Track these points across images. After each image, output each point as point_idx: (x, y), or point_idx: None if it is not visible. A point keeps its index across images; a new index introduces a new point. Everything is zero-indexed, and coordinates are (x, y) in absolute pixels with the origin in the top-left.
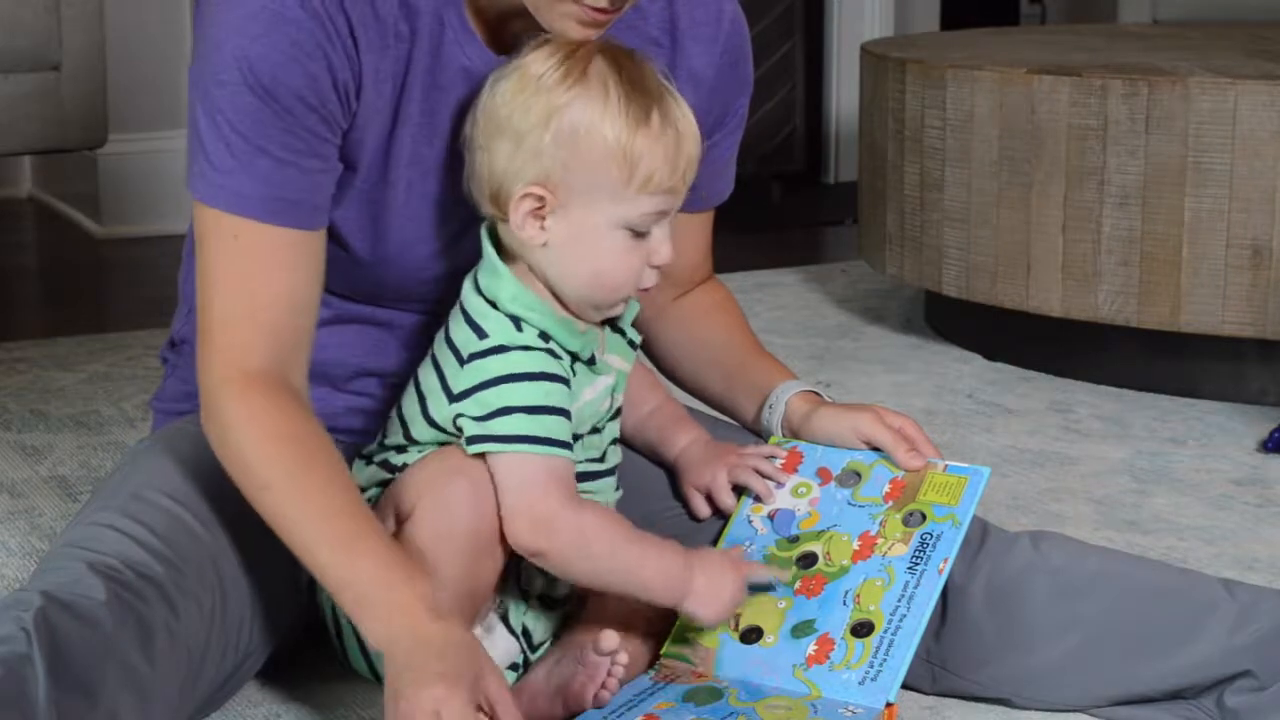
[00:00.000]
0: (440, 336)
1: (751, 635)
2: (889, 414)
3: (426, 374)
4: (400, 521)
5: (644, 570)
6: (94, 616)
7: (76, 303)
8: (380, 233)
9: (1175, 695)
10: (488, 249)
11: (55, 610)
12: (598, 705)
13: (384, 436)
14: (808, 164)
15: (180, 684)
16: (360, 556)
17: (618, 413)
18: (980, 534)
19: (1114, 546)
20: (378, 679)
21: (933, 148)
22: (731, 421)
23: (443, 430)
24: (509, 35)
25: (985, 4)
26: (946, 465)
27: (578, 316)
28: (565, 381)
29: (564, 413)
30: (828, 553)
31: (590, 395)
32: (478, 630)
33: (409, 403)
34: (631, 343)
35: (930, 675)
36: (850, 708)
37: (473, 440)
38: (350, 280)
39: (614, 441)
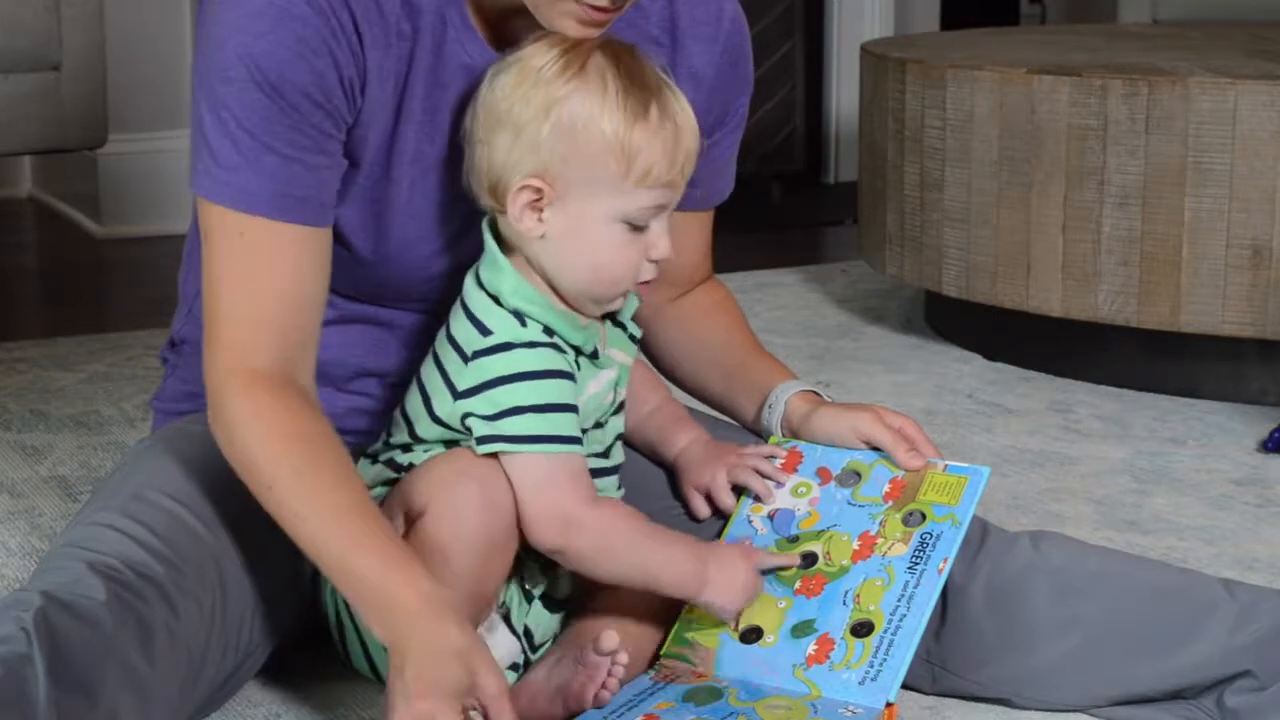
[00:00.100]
0: (442, 334)
1: (751, 635)
2: (889, 414)
3: (429, 371)
4: (409, 522)
5: (662, 564)
6: (94, 616)
7: (76, 303)
8: (382, 231)
9: (1175, 695)
10: (489, 241)
11: (55, 610)
12: (598, 705)
13: (388, 435)
14: (808, 164)
15: (180, 684)
16: (367, 554)
17: (621, 406)
18: (980, 534)
19: (1114, 546)
20: (379, 679)
21: (933, 148)
22: (731, 421)
23: (449, 427)
24: (510, 33)
25: (985, 4)
26: (946, 465)
27: (577, 310)
28: (571, 377)
29: (573, 408)
30: (828, 552)
31: (594, 389)
32: (480, 630)
33: (413, 401)
34: (632, 336)
35: (930, 675)
36: (850, 708)
37: (484, 440)
38: (352, 279)
39: (618, 438)
